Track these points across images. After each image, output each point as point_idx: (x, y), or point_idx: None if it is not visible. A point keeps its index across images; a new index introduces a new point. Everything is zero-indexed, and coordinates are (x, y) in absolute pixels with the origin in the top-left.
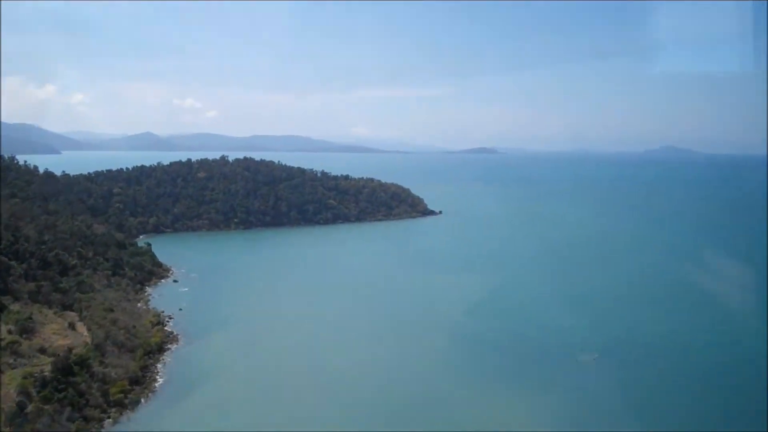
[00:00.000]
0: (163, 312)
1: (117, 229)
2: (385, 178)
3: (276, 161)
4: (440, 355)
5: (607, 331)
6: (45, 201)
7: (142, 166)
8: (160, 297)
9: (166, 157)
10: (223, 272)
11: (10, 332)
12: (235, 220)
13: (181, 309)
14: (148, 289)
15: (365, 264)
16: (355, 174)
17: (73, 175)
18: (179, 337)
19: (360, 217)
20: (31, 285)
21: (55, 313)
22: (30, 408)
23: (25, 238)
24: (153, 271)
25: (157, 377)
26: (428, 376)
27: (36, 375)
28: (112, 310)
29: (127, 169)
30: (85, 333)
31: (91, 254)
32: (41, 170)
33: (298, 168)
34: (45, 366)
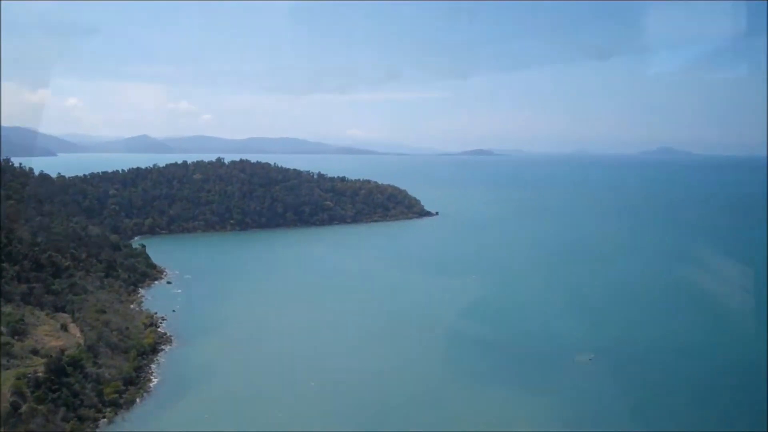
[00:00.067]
0: (156, 313)
1: (112, 231)
2: (382, 180)
3: (272, 163)
4: (437, 356)
5: (604, 332)
6: (39, 203)
7: (138, 168)
8: (153, 298)
9: (163, 160)
10: (217, 274)
11: (2, 334)
12: (231, 221)
13: (174, 311)
14: (142, 291)
15: (361, 265)
16: (352, 176)
17: (69, 177)
18: (173, 338)
19: (356, 218)
20: (24, 287)
21: (47, 314)
22: (24, 408)
23: (18, 239)
24: (147, 273)
25: (152, 377)
26: (425, 376)
27: (29, 376)
28: (104, 312)
29: (122, 170)
30: (78, 334)
31: (84, 256)
32: (36, 172)
33: (294, 170)
34: (38, 367)
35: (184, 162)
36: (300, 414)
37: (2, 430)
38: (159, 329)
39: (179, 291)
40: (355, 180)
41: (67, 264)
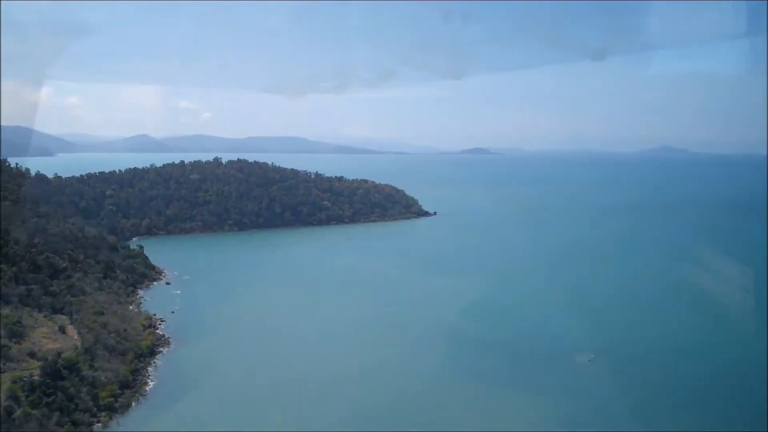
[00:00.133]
0: (155, 315)
1: (110, 232)
2: (380, 180)
3: (270, 163)
4: (437, 356)
5: (604, 332)
6: (36, 204)
7: (135, 169)
8: (152, 300)
9: (162, 159)
10: (216, 274)
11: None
12: (229, 221)
13: (173, 312)
14: (140, 292)
15: (360, 265)
16: (350, 175)
17: (65, 178)
18: (171, 340)
19: (354, 218)
20: (21, 288)
21: (45, 316)
22: (18, 413)
23: (15, 241)
24: (145, 274)
25: (148, 381)
26: (424, 376)
27: (25, 379)
28: (102, 313)
29: (119, 171)
30: (75, 336)
31: (82, 257)
32: (34, 173)
33: (292, 170)
34: (34, 370)
35: (182, 162)
36: (299, 416)
37: None
38: (157, 331)
39: (178, 292)
40: (353, 180)
41: (64, 265)
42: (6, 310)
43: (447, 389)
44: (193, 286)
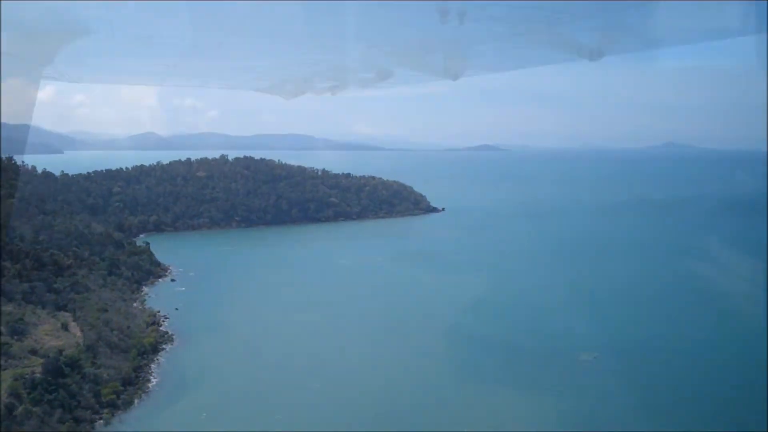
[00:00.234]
0: (159, 312)
1: (116, 229)
2: (387, 176)
3: (276, 160)
4: (439, 354)
5: (609, 330)
6: (42, 201)
7: (142, 166)
8: (156, 297)
9: (169, 157)
10: (221, 271)
11: (1, 333)
12: (236, 218)
13: (177, 309)
14: (145, 289)
15: (366, 262)
16: (357, 172)
17: (72, 175)
18: (174, 337)
19: (362, 214)
20: (25, 285)
21: (48, 313)
22: (19, 410)
23: (19, 238)
24: (150, 271)
25: (151, 378)
26: (427, 376)
27: (27, 377)
28: (106, 310)
29: (126, 168)
30: (79, 333)
31: (87, 254)
32: (42, 170)
33: (299, 166)
34: (36, 367)
35: (188, 159)
36: (303, 415)
37: None
38: (161, 328)
39: (183, 289)
40: (360, 176)
41: (69, 262)
42: (9, 307)
43: (449, 387)
44: (199, 283)
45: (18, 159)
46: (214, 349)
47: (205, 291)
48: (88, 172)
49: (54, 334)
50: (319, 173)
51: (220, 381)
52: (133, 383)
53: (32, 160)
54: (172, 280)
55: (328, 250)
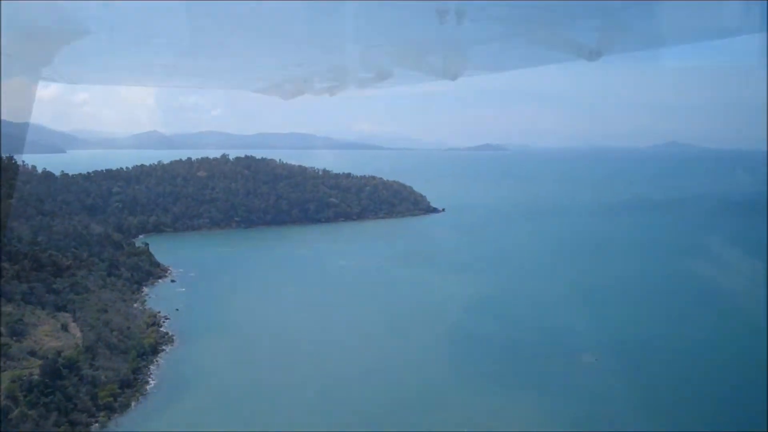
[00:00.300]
0: (159, 313)
1: (116, 229)
2: (388, 176)
3: (277, 159)
4: (440, 355)
5: (611, 330)
6: (41, 201)
7: (142, 166)
8: (156, 297)
9: (172, 156)
10: (221, 272)
11: (0, 334)
12: (236, 218)
13: (177, 309)
14: (145, 290)
15: (366, 262)
16: (358, 172)
17: (72, 175)
18: (174, 338)
19: (362, 215)
20: (24, 286)
21: (48, 314)
22: (15, 413)
23: (18, 238)
24: (151, 271)
25: (149, 380)
26: (428, 376)
27: (24, 378)
28: (105, 311)
29: (126, 168)
30: (78, 334)
31: (86, 255)
32: (44, 169)
33: (299, 166)
34: (34, 369)
35: (189, 159)
36: (303, 417)
37: None
38: (161, 329)
39: (183, 290)
40: (360, 176)
41: (68, 263)
42: (8, 308)
43: (450, 388)
44: (199, 284)
45: (19, 158)
46: (214, 350)
47: (206, 292)
48: (87, 172)
49: (54, 334)
50: (320, 173)
51: (220, 382)
52: (131, 385)
53: (35, 159)
54: (173, 281)
55: (328, 250)
